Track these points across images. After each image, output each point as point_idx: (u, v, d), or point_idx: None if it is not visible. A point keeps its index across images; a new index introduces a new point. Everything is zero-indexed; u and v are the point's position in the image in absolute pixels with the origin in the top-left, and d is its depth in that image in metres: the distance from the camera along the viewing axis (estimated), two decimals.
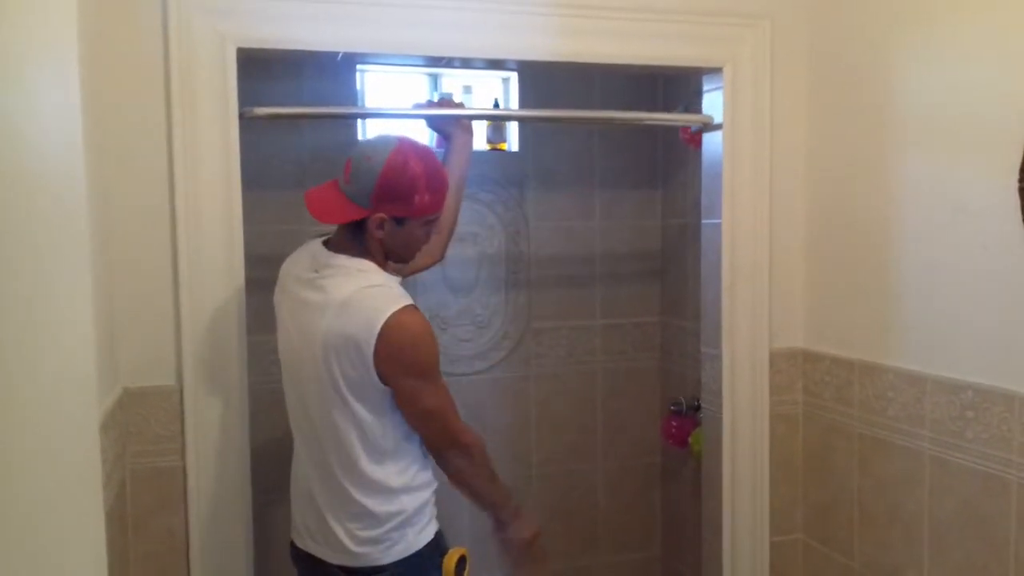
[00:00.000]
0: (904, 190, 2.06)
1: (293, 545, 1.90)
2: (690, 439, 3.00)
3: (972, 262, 1.87)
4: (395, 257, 1.82)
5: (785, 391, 2.43)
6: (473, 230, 3.11)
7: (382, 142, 1.75)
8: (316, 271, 1.76)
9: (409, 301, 1.72)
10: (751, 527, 2.42)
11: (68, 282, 0.96)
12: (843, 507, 2.30)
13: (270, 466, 2.36)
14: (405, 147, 1.74)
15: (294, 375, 1.81)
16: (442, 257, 2.14)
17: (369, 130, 3.00)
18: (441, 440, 1.80)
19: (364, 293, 1.70)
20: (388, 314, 1.66)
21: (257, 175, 2.28)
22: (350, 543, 1.76)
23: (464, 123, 2.18)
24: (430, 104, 2.19)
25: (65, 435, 0.93)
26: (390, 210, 1.73)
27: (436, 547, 1.84)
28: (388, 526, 1.76)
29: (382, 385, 1.70)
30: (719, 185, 2.36)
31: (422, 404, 1.74)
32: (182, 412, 1.98)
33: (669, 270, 3.33)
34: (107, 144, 1.88)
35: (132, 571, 1.95)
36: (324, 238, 1.84)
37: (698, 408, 2.81)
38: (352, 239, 1.77)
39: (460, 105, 2.20)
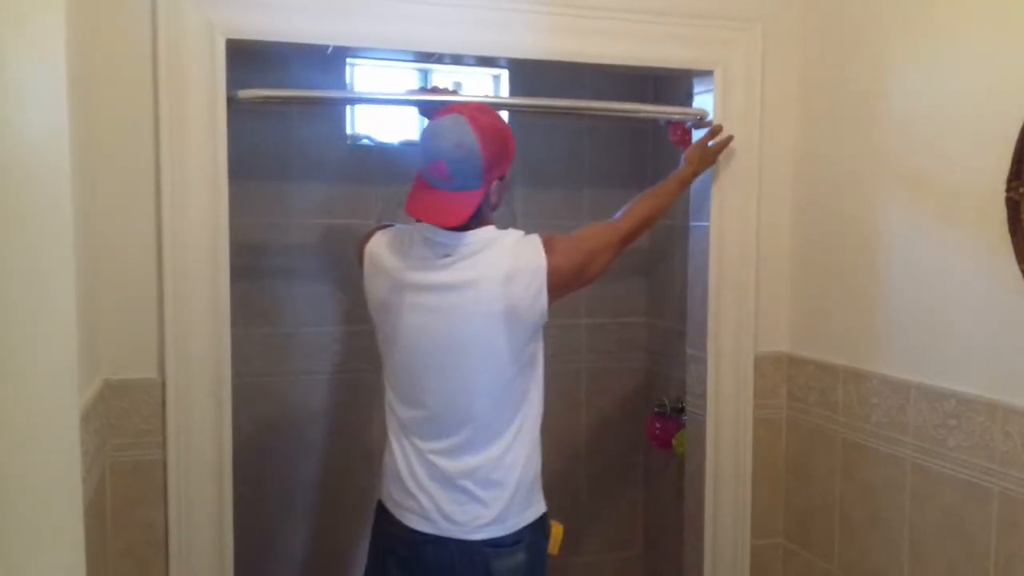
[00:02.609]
0: (892, 194, 2.07)
1: (414, 531, 1.86)
2: (673, 441, 3.00)
3: (958, 270, 1.88)
4: (496, 207, 1.88)
5: (769, 395, 2.44)
6: None
7: (455, 126, 1.74)
8: (447, 255, 1.79)
9: (535, 235, 1.85)
10: (732, 530, 2.42)
11: (51, 271, 0.95)
12: (825, 512, 2.31)
13: (252, 460, 2.34)
14: (474, 116, 1.75)
15: (436, 361, 1.82)
16: None
17: (358, 119, 2.98)
18: (624, 240, 1.98)
19: (517, 256, 1.78)
20: (541, 255, 1.79)
21: (244, 166, 2.26)
22: (497, 511, 1.82)
23: None
24: (423, 91, 2.16)
25: (45, 427, 0.92)
26: (497, 174, 1.79)
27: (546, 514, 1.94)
28: (526, 489, 1.85)
29: (545, 309, 1.81)
30: (707, 187, 2.36)
31: (599, 234, 1.95)
32: (164, 405, 1.96)
33: (656, 271, 3.33)
34: (93, 133, 1.86)
35: (111, 565, 1.94)
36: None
37: (682, 410, 2.82)
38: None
39: (453, 93, 2.16)
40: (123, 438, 1.94)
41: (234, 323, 2.03)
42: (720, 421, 2.40)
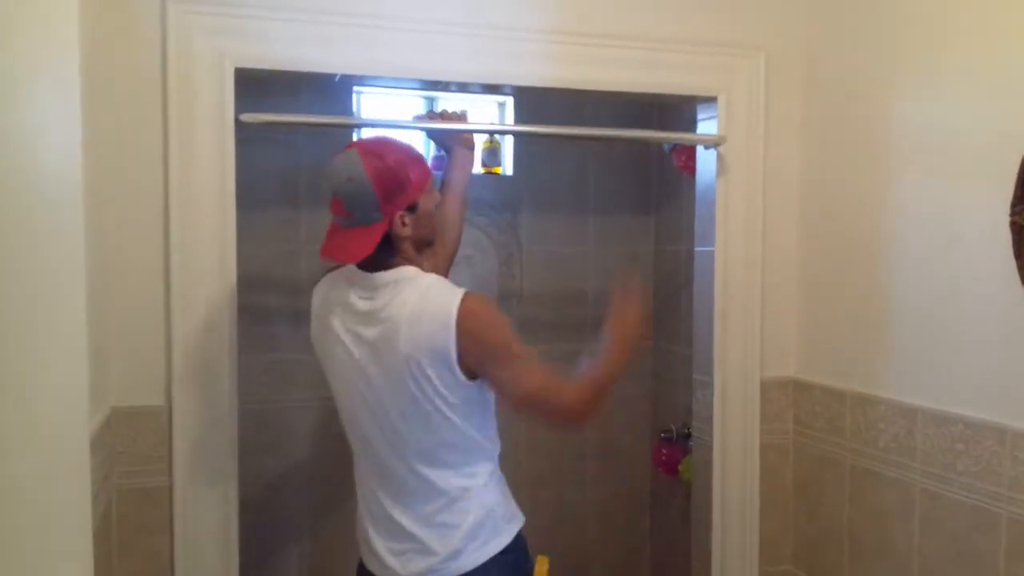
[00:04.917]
0: (898, 220, 2.07)
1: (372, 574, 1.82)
2: (680, 467, 2.99)
3: (965, 294, 1.88)
4: (426, 241, 1.79)
5: (776, 420, 2.43)
6: (467, 252, 3.11)
7: (345, 161, 1.70)
8: (365, 296, 1.72)
9: (464, 288, 1.70)
10: (741, 557, 2.41)
11: (63, 298, 0.95)
12: (833, 538, 2.29)
13: (257, 487, 2.34)
14: (367, 148, 1.71)
15: (370, 407, 1.74)
16: (446, 273, 2.07)
17: None
18: (556, 416, 1.74)
19: (426, 298, 1.67)
20: (456, 306, 1.64)
21: (252, 194, 2.27)
22: (441, 548, 1.73)
23: (465, 137, 2.13)
24: (431, 115, 2.15)
25: (55, 453, 0.92)
26: (401, 204, 1.70)
27: (519, 547, 1.83)
28: (472, 523, 1.74)
29: (467, 381, 1.68)
30: (712, 212, 2.37)
31: (524, 387, 1.69)
32: (170, 432, 1.96)
33: (661, 296, 3.33)
34: (103, 161, 1.87)
35: None
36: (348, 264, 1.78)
37: (689, 436, 2.81)
38: (382, 252, 1.71)
39: (462, 117, 2.12)
40: (130, 465, 1.94)
41: (241, 350, 2.04)
42: (727, 447, 2.39)
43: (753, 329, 2.39)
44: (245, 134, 2.01)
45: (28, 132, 0.82)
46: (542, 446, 3.27)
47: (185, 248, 1.95)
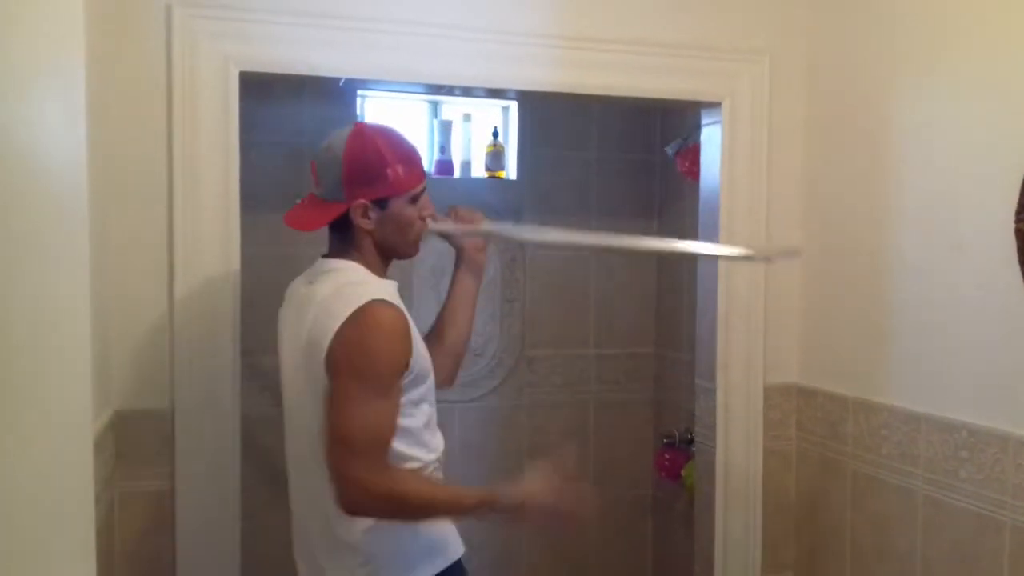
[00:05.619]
0: (901, 226, 2.07)
1: None
2: (683, 472, 2.99)
3: (968, 301, 1.88)
4: (395, 250, 1.70)
5: (779, 426, 2.42)
6: None
7: (339, 132, 1.66)
8: (307, 283, 1.67)
9: (388, 296, 1.57)
10: (743, 563, 2.40)
11: (67, 301, 0.95)
12: (836, 545, 2.29)
13: (259, 491, 2.33)
14: (362, 127, 1.67)
15: (286, 400, 1.72)
16: (453, 382, 1.94)
17: None
18: (333, 474, 1.52)
19: (343, 290, 1.57)
20: (355, 307, 1.51)
21: (255, 197, 2.27)
22: None
23: (477, 241, 1.95)
24: (447, 215, 1.89)
25: (59, 457, 0.92)
26: (367, 194, 1.61)
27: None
28: (375, 557, 1.61)
29: (329, 382, 1.53)
30: (716, 218, 2.37)
31: (337, 422, 1.51)
32: (173, 435, 1.96)
33: (664, 301, 3.33)
34: (108, 164, 1.88)
35: None
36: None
37: (691, 441, 2.80)
38: (342, 243, 1.67)
39: (475, 217, 1.91)
40: (132, 468, 1.94)
41: (243, 354, 2.04)
42: (730, 452, 2.38)
43: (756, 334, 2.38)
44: (249, 138, 2.01)
45: (33, 133, 0.82)
46: (545, 450, 3.26)
47: (189, 251, 1.95)
